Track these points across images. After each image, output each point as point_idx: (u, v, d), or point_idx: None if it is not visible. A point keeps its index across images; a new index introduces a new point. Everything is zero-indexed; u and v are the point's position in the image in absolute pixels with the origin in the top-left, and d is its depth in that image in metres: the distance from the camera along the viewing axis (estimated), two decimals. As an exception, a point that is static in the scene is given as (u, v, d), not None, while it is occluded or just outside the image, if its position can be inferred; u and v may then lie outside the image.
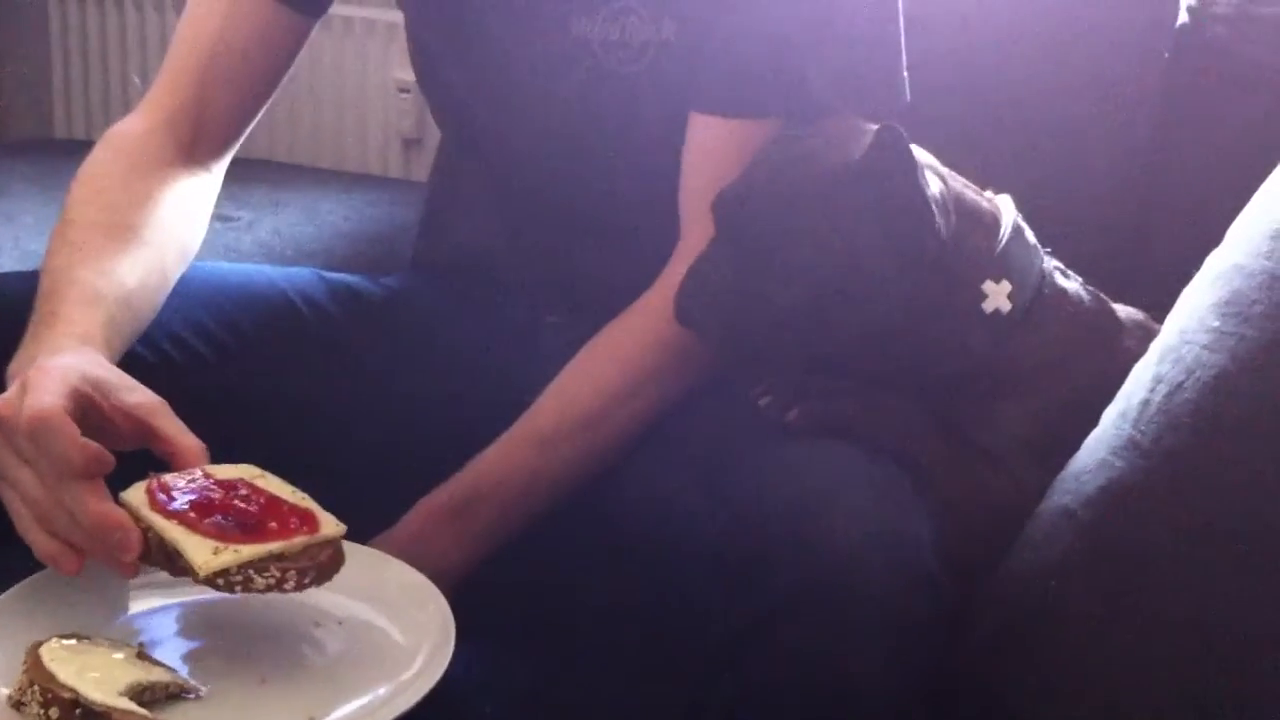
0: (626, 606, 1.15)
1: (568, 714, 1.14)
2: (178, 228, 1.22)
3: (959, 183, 1.14)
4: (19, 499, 0.96)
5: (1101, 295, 1.20)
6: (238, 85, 1.26)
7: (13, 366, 1.04)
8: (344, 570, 0.97)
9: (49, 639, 0.91)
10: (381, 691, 0.92)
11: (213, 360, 1.23)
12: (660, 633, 1.10)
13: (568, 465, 1.18)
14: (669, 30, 1.17)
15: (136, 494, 0.94)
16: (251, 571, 0.90)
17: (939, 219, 1.08)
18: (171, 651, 0.95)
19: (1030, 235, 1.16)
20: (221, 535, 0.91)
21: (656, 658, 1.11)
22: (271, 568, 0.91)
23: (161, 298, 1.19)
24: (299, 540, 0.92)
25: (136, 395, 1.00)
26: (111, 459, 0.94)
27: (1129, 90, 1.50)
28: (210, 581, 0.90)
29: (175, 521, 0.91)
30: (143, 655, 0.92)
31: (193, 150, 1.25)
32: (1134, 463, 1.02)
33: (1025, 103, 1.50)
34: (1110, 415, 1.07)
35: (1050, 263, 1.17)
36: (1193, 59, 1.48)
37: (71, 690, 0.86)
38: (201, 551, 0.90)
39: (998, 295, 1.12)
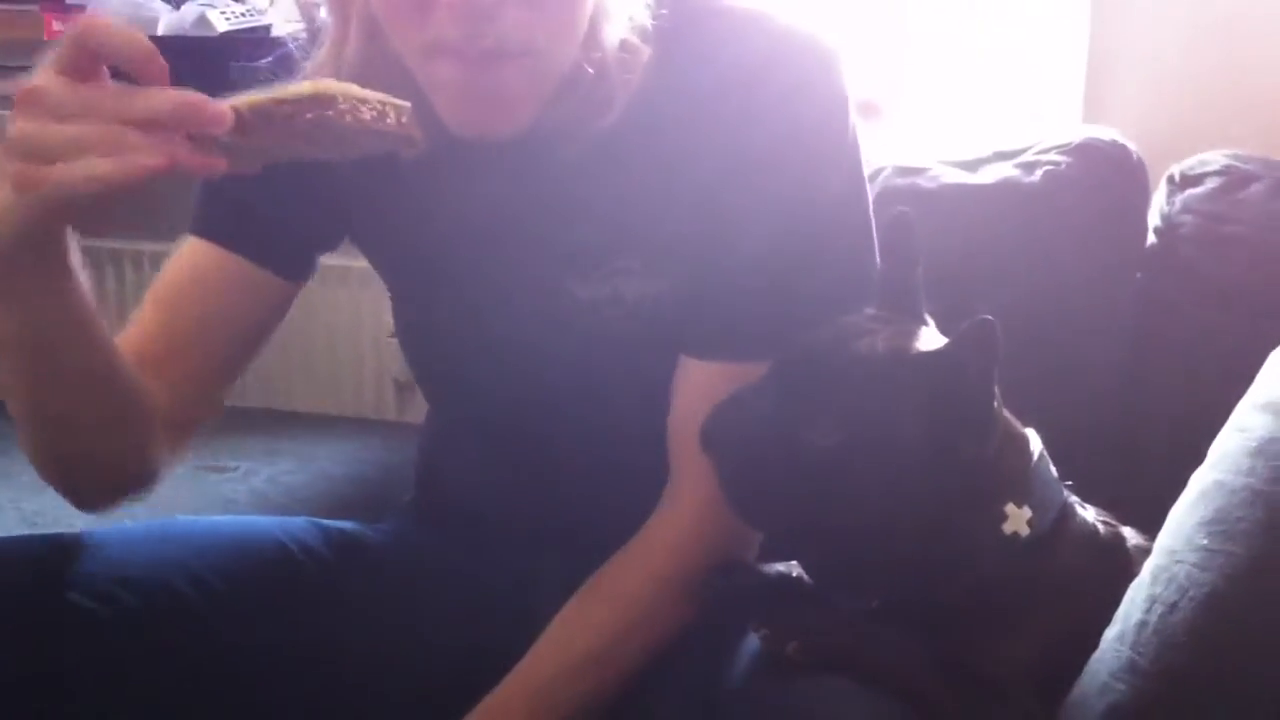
0: None
1: None
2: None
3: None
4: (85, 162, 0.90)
5: (1115, 525, 1.19)
6: (209, 365, 1.25)
7: None
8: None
9: None
10: None
11: (207, 609, 1.22)
12: None
13: (566, 711, 1.17)
14: (665, 286, 1.19)
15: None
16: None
17: (992, 430, 1.08)
18: None
19: (1053, 467, 1.16)
20: None
21: None
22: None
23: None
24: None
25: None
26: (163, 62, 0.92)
27: (1104, 312, 1.52)
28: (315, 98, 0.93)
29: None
30: None
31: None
32: (1135, 685, 1.02)
33: (1004, 326, 1.52)
34: (1109, 637, 1.07)
35: (1069, 495, 1.17)
36: (1163, 278, 1.51)
37: None
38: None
39: (1018, 519, 1.10)
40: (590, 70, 1.11)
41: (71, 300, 1.04)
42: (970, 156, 1.69)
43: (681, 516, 1.20)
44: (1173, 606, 1.02)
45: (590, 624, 1.19)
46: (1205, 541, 1.02)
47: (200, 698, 1.19)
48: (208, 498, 1.28)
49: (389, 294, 1.36)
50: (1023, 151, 1.67)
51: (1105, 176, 1.61)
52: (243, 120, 0.91)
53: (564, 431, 1.27)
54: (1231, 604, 1.00)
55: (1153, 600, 1.04)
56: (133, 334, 1.24)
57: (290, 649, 1.24)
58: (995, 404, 1.08)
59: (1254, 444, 1.04)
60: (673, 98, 1.15)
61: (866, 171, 1.22)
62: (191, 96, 0.90)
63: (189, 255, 1.26)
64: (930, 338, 1.11)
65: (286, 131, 0.92)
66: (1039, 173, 1.62)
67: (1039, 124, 1.76)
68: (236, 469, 1.86)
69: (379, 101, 0.94)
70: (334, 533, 1.36)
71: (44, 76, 0.92)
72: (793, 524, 1.12)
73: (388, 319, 2.32)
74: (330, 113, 0.91)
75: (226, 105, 0.90)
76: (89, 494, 1.22)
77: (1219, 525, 1.02)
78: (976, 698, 1.09)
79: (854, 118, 1.20)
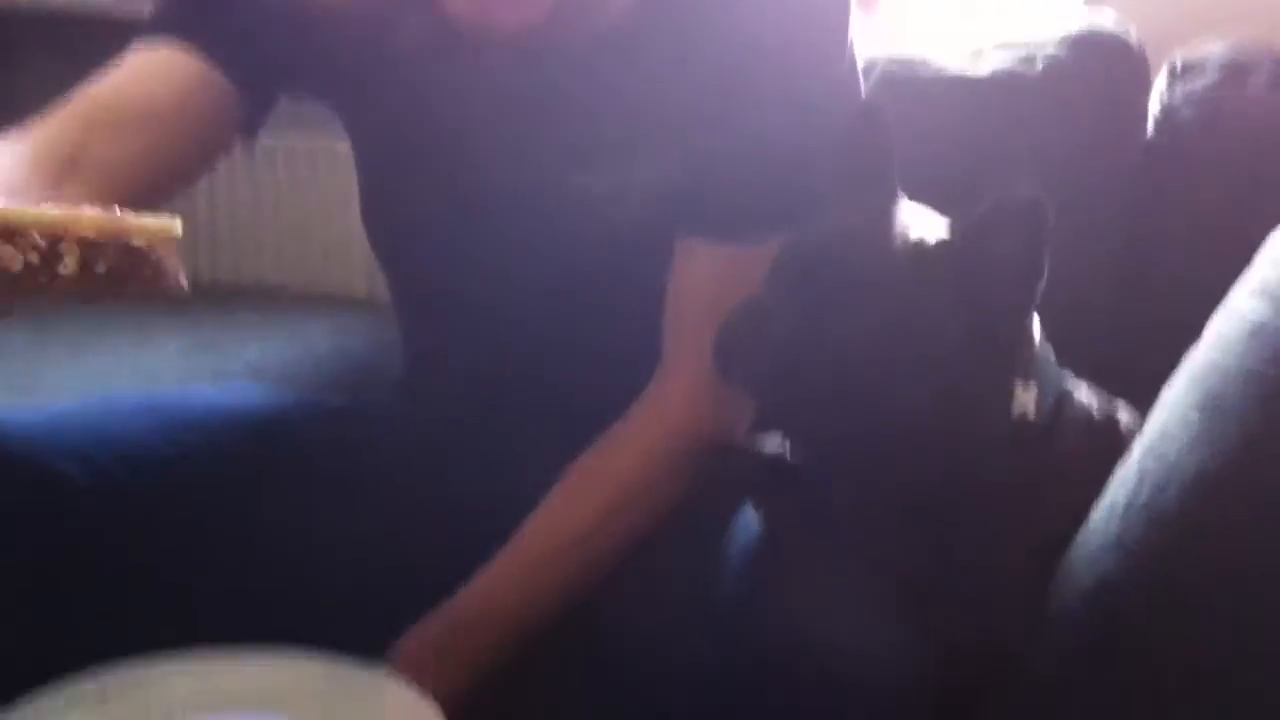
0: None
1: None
2: None
3: None
4: None
5: (1111, 407, 1.20)
6: (126, 141, 1.13)
7: None
8: (343, 692, 0.96)
9: None
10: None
11: (193, 481, 1.22)
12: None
13: (560, 586, 1.17)
14: (674, 172, 1.19)
15: None
16: None
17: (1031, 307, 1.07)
18: None
19: (1051, 351, 1.16)
20: None
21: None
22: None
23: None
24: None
25: None
26: None
27: (1103, 203, 1.52)
28: None
29: None
30: None
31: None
32: (1122, 560, 1.03)
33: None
34: (1097, 515, 1.08)
35: (1067, 374, 1.17)
36: (1163, 168, 1.51)
37: None
38: None
39: (1025, 401, 1.11)
40: None
41: None
42: (970, 48, 1.68)
43: (674, 394, 1.20)
44: (1162, 485, 1.02)
45: (582, 502, 1.19)
46: (1197, 421, 1.02)
47: (186, 569, 1.20)
48: (198, 374, 1.28)
49: (359, 174, 1.34)
50: (1023, 44, 1.65)
51: (1106, 68, 1.60)
52: None
53: (554, 323, 1.27)
54: (1220, 484, 1.00)
55: (1142, 478, 1.04)
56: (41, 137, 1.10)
57: (277, 523, 1.25)
58: (1040, 282, 1.06)
59: (1248, 327, 1.04)
60: None
61: (861, 65, 1.23)
62: None
63: (130, 64, 1.17)
64: (941, 225, 1.11)
65: None
66: (1039, 65, 1.61)
67: (1040, 12, 1.74)
68: (226, 345, 1.86)
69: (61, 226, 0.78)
70: (324, 408, 1.36)
71: None
72: (821, 427, 1.10)
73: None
74: None
75: None
76: None
77: (1211, 406, 1.02)
78: (969, 580, 1.11)
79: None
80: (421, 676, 1.11)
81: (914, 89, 1.60)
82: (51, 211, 0.78)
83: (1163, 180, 1.52)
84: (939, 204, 1.13)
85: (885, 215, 1.10)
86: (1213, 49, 1.64)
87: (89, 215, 0.78)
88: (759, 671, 0.99)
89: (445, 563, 1.20)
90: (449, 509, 1.30)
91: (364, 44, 1.06)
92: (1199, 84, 1.60)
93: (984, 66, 1.64)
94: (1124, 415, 1.20)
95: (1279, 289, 1.06)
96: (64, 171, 1.07)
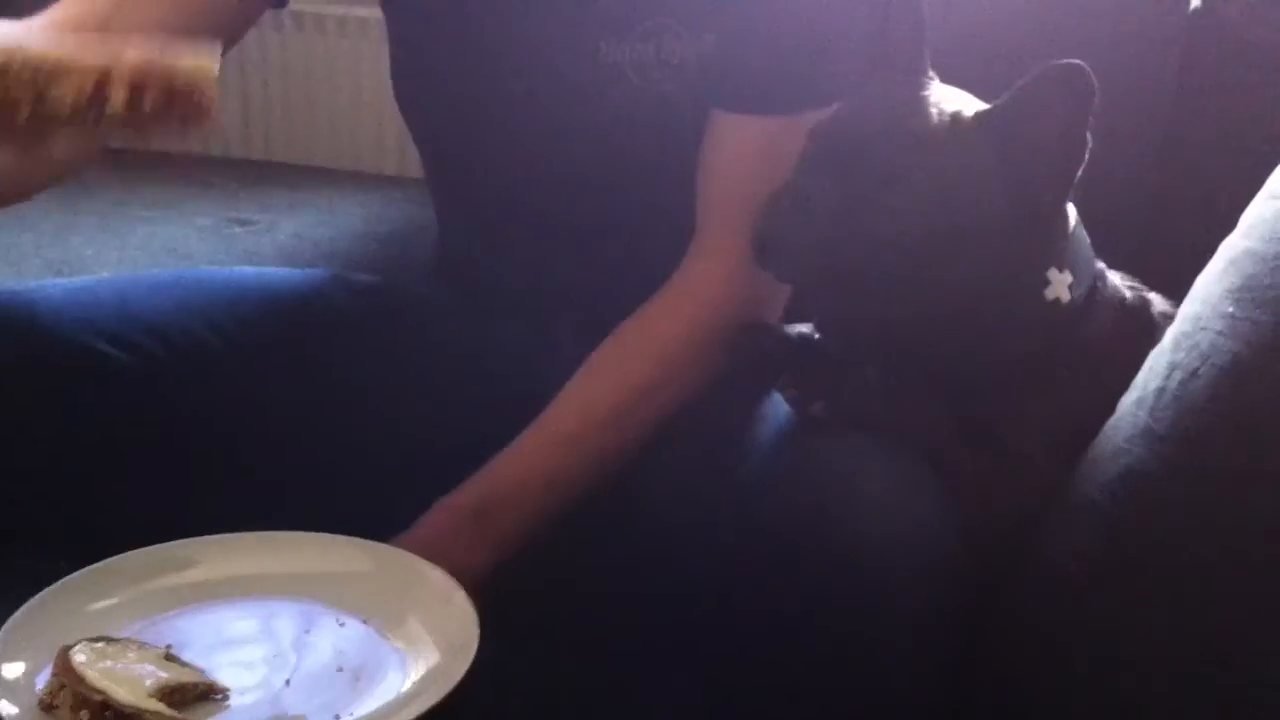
0: (650, 602, 1.15)
1: (593, 710, 1.15)
2: None
3: None
4: None
5: (1141, 291, 1.19)
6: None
7: None
8: (367, 568, 0.97)
9: (77, 641, 0.92)
10: (406, 688, 0.92)
11: (230, 358, 1.23)
12: (685, 628, 1.11)
13: (591, 463, 1.18)
14: (709, 42, 1.17)
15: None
16: None
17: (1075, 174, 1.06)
18: (198, 653, 0.96)
19: (1085, 234, 1.15)
20: None
21: (682, 653, 1.11)
22: None
23: None
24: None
25: None
26: None
27: (1144, 76, 1.49)
28: None
29: None
30: (170, 657, 0.93)
31: None
32: (1151, 448, 1.02)
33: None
34: (1127, 403, 1.07)
35: (1099, 263, 1.16)
36: (1206, 43, 1.48)
37: (101, 692, 0.87)
38: None
39: (1060, 285, 1.10)
40: None
41: None
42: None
43: (712, 270, 1.19)
44: (1194, 373, 1.01)
45: (615, 380, 1.19)
46: (1231, 309, 1.01)
47: (222, 445, 1.21)
48: (231, 251, 1.28)
49: (391, 45, 1.33)
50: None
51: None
52: None
53: (586, 201, 1.26)
54: (1254, 371, 0.99)
55: (1173, 366, 1.03)
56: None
57: (310, 399, 1.26)
58: (1084, 154, 1.05)
59: (1288, 211, 1.02)
60: None
61: None
62: None
63: None
64: (975, 104, 1.09)
65: None
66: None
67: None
68: (259, 222, 1.85)
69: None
70: (359, 287, 1.36)
71: None
72: (860, 314, 1.10)
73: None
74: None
75: None
76: None
77: (1247, 293, 1.01)
78: (997, 460, 1.11)
79: None
80: (452, 546, 1.13)
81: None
82: (98, 56, 0.83)
83: (1205, 55, 1.48)
84: (973, 87, 1.11)
85: (918, 91, 1.09)
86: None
87: (133, 58, 0.83)
88: (785, 554, 1.00)
89: (478, 440, 1.20)
90: (483, 386, 1.30)
91: None
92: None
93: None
94: (1158, 303, 1.19)
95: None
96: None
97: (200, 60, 0.86)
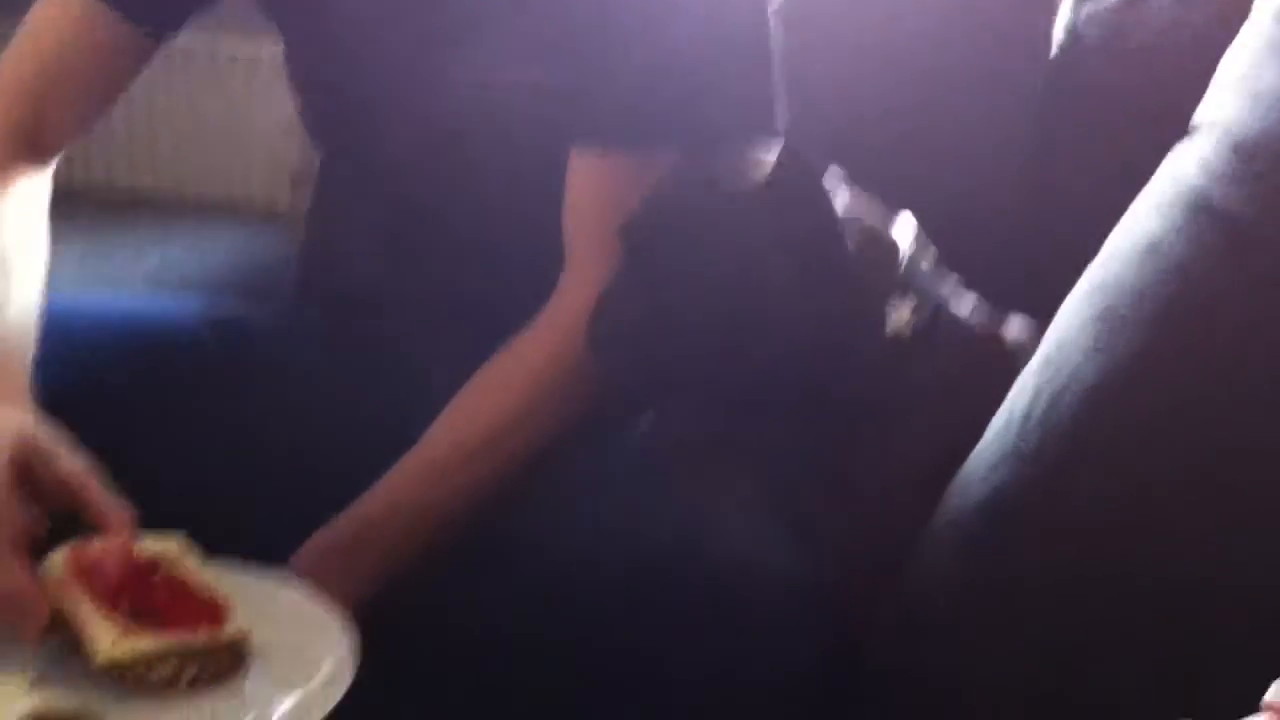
0: (527, 634, 1.15)
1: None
2: (39, 245, 1.20)
3: (861, 200, 1.15)
4: None
5: (996, 317, 1.22)
6: (76, 102, 1.25)
7: None
8: (247, 590, 0.97)
9: None
10: (287, 705, 0.91)
11: (88, 393, 1.20)
12: (561, 660, 1.11)
13: (459, 495, 1.17)
14: (538, 73, 1.18)
15: (57, 562, 0.94)
16: (149, 666, 0.91)
17: (844, 237, 1.09)
18: (67, 676, 0.94)
19: (928, 259, 1.18)
20: (127, 622, 0.91)
21: (561, 679, 1.11)
22: (172, 659, 0.91)
23: (35, 326, 1.17)
24: (202, 635, 0.92)
25: (68, 463, 0.99)
26: (39, 535, 0.95)
27: (1005, 122, 1.53)
28: (106, 671, 0.90)
29: (87, 598, 0.92)
30: (43, 680, 0.91)
31: (34, 153, 1.23)
32: (1017, 471, 1.05)
33: (908, 129, 1.53)
34: (995, 426, 1.10)
35: (951, 280, 1.19)
36: (1066, 88, 1.52)
37: None
38: (104, 638, 0.90)
39: (900, 318, 1.13)
40: None
41: None
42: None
43: (577, 301, 1.20)
44: (1057, 397, 1.05)
45: (487, 408, 1.19)
46: (1093, 334, 1.05)
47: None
48: (97, 276, 1.26)
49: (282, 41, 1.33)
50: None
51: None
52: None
53: (452, 212, 1.26)
54: (1115, 395, 1.02)
55: (1039, 391, 1.06)
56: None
57: (176, 438, 1.23)
58: (835, 212, 1.09)
59: (1144, 242, 1.06)
60: None
61: None
62: (26, 594, 0.91)
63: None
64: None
65: None
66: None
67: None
68: (124, 252, 1.83)
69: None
70: (221, 319, 1.34)
71: None
72: (701, 387, 1.13)
73: (284, 110, 2.30)
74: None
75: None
76: None
77: (1107, 320, 1.05)
78: (854, 502, 1.13)
79: None
80: (325, 580, 1.10)
81: (821, 5, 1.59)
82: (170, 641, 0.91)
83: (1066, 100, 1.53)
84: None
85: (742, 157, 1.12)
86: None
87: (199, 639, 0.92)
88: (656, 576, 1.01)
89: (351, 471, 1.19)
90: (354, 417, 1.29)
91: None
92: (1103, 4, 1.61)
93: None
94: (1014, 328, 1.22)
95: (1172, 206, 1.08)
96: (34, 141, 1.22)
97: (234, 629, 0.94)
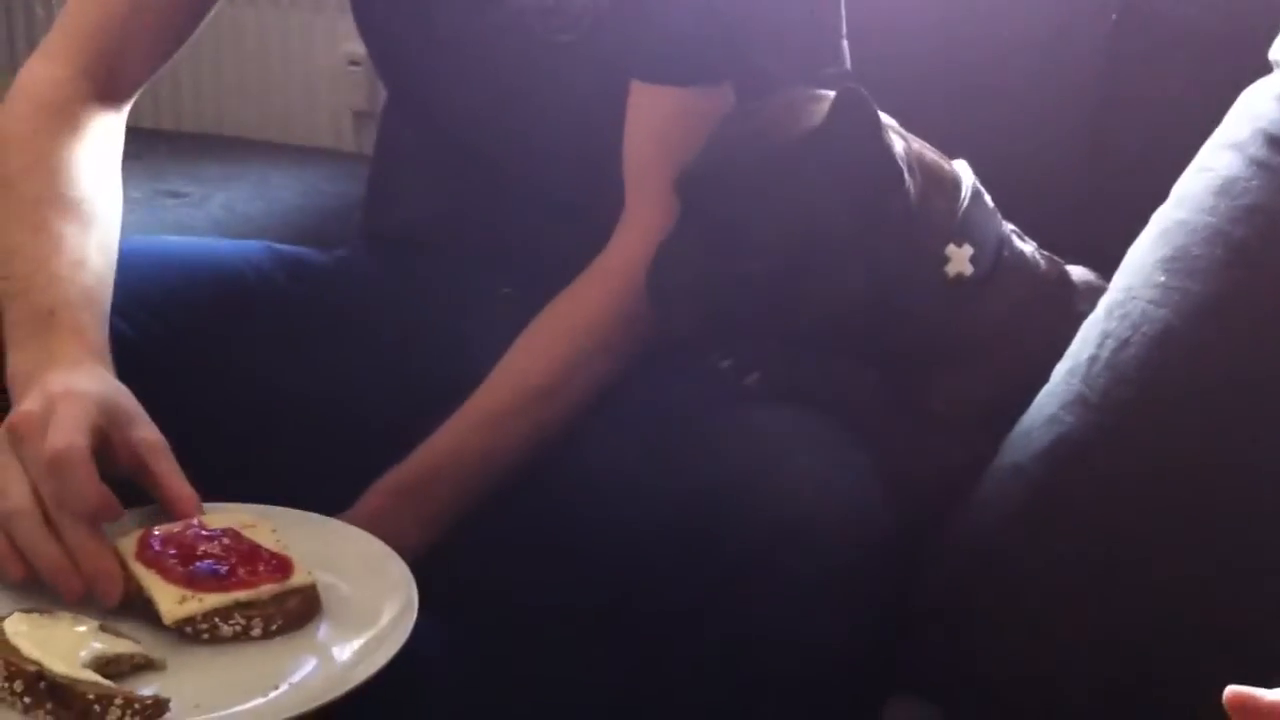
0: (584, 577, 1.15)
1: (527, 686, 1.15)
2: (116, 192, 1.21)
3: (918, 144, 1.14)
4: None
5: (1056, 259, 1.20)
6: (147, 45, 1.25)
7: (19, 365, 1.04)
8: (308, 539, 0.97)
9: (10, 613, 0.91)
10: (346, 656, 0.92)
11: (162, 334, 1.21)
12: (619, 601, 1.11)
13: (522, 440, 1.18)
14: (604, 2, 1.17)
15: (128, 542, 0.95)
16: (217, 620, 0.92)
17: (906, 178, 1.08)
18: (134, 623, 0.95)
19: (989, 199, 1.17)
20: (191, 583, 0.92)
21: (616, 626, 1.12)
22: (237, 615, 0.93)
23: (113, 275, 1.19)
24: (266, 589, 0.94)
25: (142, 431, 1.00)
26: (121, 510, 0.96)
27: (1076, 53, 1.51)
28: (178, 628, 0.92)
29: (154, 570, 0.93)
30: (106, 628, 0.93)
31: (108, 98, 1.24)
32: (1082, 417, 1.04)
33: (971, 68, 1.51)
34: (1060, 372, 1.09)
35: (1007, 227, 1.18)
36: (1136, 22, 1.49)
37: (35, 663, 0.86)
38: (168, 599, 0.92)
39: (960, 259, 1.12)
40: None
41: None
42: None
43: (636, 241, 1.19)
44: (1125, 342, 1.03)
45: (546, 354, 1.19)
46: (1163, 278, 1.03)
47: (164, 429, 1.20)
48: (162, 221, 1.27)
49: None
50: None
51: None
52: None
53: (515, 155, 1.26)
54: (1184, 340, 1.01)
55: (1105, 335, 1.05)
56: (78, 30, 1.24)
57: (245, 375, 1.24)
58: (897, 154, 1.08)
59: (1218, 183, 1.04)
60: None
61: None
62: (103, 567, 0.93)
63: None
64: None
65: None
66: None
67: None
68: (191, 194, 1.84)
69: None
70: (289, 259, 1.35)
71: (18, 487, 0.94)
72: (761, 334, 1.14)
73: (347, 47, 2.31)
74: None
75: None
76: None
77: (1177, 263, 1.03)
78: (921, 427, 1.12)
79: None
80: (386, 526, 1.12)
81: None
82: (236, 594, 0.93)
83: (1133, 36, 1.50)
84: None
85: (790, 104, 1.11)
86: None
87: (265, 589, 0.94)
88: (718, 521, 1.00)
89: (409, 413, 1.20)
90: (415, 358, 1.30)
91: None
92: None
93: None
94: (1077, 273, 1.20)
95: (1247, 145, 1.05)
96: (112, 78, 1.23)
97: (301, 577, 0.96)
